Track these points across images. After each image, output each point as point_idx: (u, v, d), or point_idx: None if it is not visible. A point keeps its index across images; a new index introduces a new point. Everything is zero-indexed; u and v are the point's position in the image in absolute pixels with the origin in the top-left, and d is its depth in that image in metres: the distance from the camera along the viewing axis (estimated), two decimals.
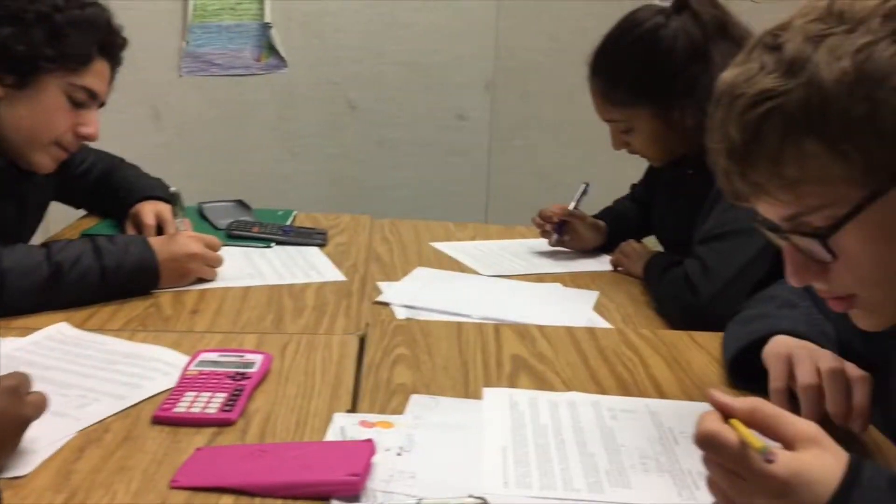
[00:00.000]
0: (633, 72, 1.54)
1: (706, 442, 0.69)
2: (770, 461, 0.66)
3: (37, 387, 0.86)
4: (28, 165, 1.46)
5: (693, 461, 0.87)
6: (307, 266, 1.61)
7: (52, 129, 1.43)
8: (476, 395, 1.08)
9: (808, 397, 0.96)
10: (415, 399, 1.05)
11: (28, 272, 1.26)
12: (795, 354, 1.00)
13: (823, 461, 0.67)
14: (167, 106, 3.08)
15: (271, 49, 3.11)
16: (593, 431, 0.99)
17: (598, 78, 1.59)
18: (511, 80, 3.20)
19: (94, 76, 1.45)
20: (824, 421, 0.94)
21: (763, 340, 1.08)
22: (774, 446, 0.70)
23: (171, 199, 1.52)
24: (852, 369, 0.95)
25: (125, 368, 1.08)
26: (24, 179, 1.51)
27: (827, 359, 0.98)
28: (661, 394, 1.11)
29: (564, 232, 1.81)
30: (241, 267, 1.57)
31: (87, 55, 1.43)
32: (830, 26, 0.74)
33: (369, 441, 0.88)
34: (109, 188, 1.79)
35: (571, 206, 1.81)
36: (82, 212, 1.92)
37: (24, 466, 0.84)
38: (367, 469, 0.83)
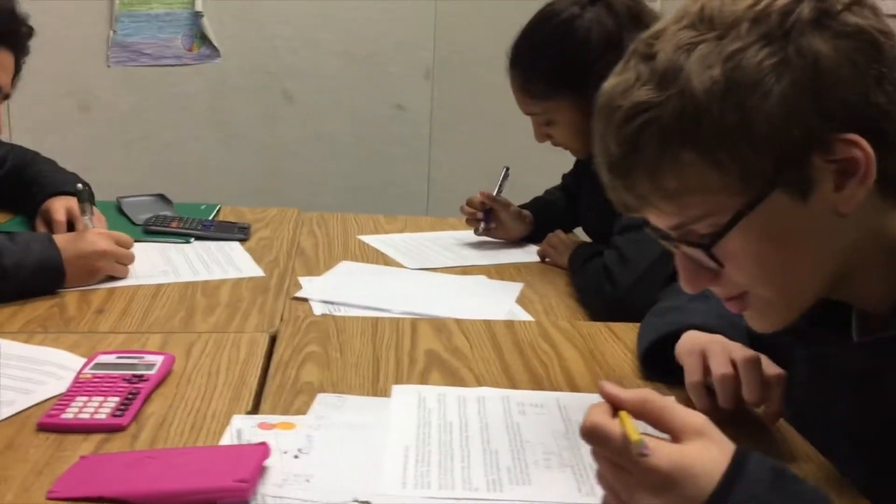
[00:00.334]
0: (549, 64, 1.53)
1: (590, 434, 0.69)
2: (644, 455, 0.65)
3: None
4: None
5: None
6: (225, 262, 1.57)
7: None
8: (385, 393, 1.05)
9: (723, 387, 0.96)
10: (320, 398, 1.02)
11: None
12: (708, 349, 1.00)
13: (708, 453, 0.67)
14: (95, 97, 3.00)
15: (203, 38, 3.04)
16: (499, 427, 0.97)
17: (516, 71, 1.58)
18: (451, 69, 3.18)
19: None
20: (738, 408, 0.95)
21: (676, 334, 1.07)
22: (664, 438, 0.70)
23: (79, 195, 1.46)
24: (768, 366, 0.96)
25: (16, 373, 1.04)
26: None
27: (739, 349, 0.98)
28: (574, 387, 1.10)
29: (490, 220, 1.80)
30: (156, 264, 1.52)
31: None
32: (701, 33, 0.74)
33: (263, 444, 0.85)
34: (22, 183, 1.73)
35: (494, 192, 1.79)
36: None
37: None
38: (256, 474, 0.81)
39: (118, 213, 1.81)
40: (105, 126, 3.02)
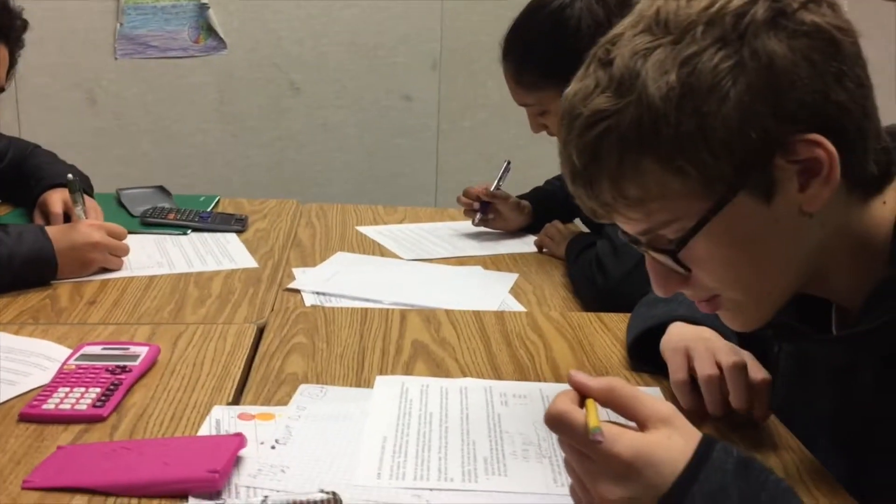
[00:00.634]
0: (541, 54, 1.52)
1: (553, 422, 0.68)
2: (597, 441, 0.64)
3: None
4: None
5: None
6: (220, 253, 1.57)
7: None
8: (369, 384, 1.05)
9: (709, 388, 0.96)
10: (302, 389, 1.02)
11: None
12: (692, 347, 1.00)
13: (672, 442, 0.66)
14: (103, 90, 3.01)
15: (210, 30, 3.04)
16: (480, 418, 0.97)
17: (509, 62, 1.57)
18: (458, 60, 3.17)
19: None
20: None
21: (663, 326, 1.07)
22: (631, 427, 0.69)
23: (69, 186, 1.47)
24: (753, 369, 0.95)
25: (3, 364, 1.04)
26: None
27: (724, 351, 0.97)
28: (559, 378, 1.10)
29: (487, 211, 1.79)
30: (151, 255, 1.53)
31: None
32: (657, 37, 0.72)
33: (238, 435, 0.86)
34: (20, 176, 1.74)
35: (494, 185, 1.79)
36: None
37: None
38: (230, 464, 0.81)
39: (117, 205, 1.82)
40: (112, 118, 3.04)
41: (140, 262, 1.48)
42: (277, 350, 1.14)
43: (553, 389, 1.05)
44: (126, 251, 1.44)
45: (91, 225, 1.40)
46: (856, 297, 0.79)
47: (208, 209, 1.85)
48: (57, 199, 1.60)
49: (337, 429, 0.94)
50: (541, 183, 1.96)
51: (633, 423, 0.70)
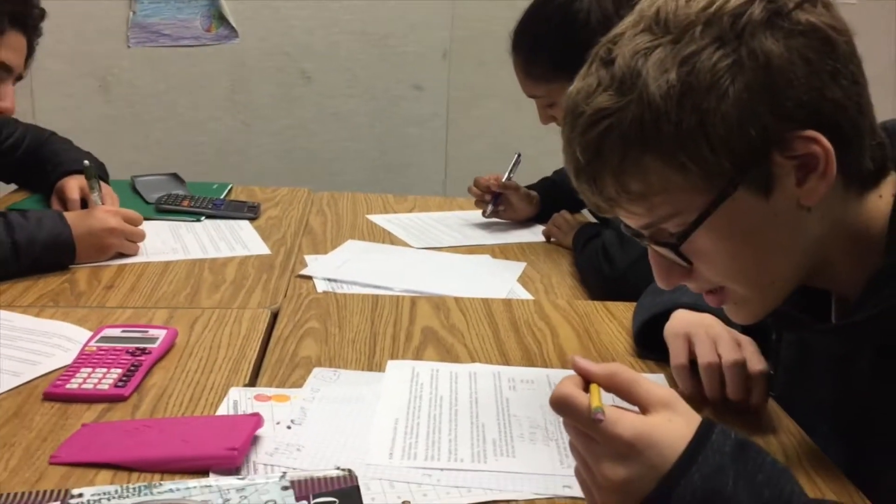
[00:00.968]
0: (550, 47, 1.54)
1: (558, 404, 0.70)
2: (599, 420, 0.67)
3: None
4: None
5: None
6: (234, 240, 1.60)
7: None
8: (380, 368, 1.08)
9: (709, 375, 0.99)
10: (316, 372, 1.05)
11: None
12: (693, 333, 1.02)
13: (672, 424, 0.68)
14: (115, 78, 3.03)
15: (222, 19, 3.07)
16: (489, 402, 1.00)
17: (518, 55, 1.60)
18: (468, 50, 3.18)
19: (7, 49, 1.42)
20: None
21: (667, 313, 1.09)
22: (633, 410, 0.72)
23: (86, 172, 1.50)
24: (753, 361, 0.98)
25: (25, 345, 1.08)
26: None
27: (725, 340, 1.00)
28: (565, 364, 1.12)
29: (499, 203, 1.82)
30: (166, 241, 1.56)
31: None
32: (657, 37, 0.74)
33: (255, 415, 0.89)
34: (37, 162, 1.77)
35: (505, 176, 1.81)
36: (13, 186, 1.90)
37: None
38: (247, 443, 0.84)
39: (132, 191, 1.85)
40: (125, 106, 3.06)
41: (155, 247, 1.51)
42: (291, 334, 1.17)
43: (559, 375, 1.07)
44: (142, 237, 1.47)
45: (108, 211, 1.43)
46: (854, 288, 0.81)
47: (221, 196, 1.88)
48: (74, 185, 1.63)
49: (350, 410, 0.97)
50: (549, 173, 1.98)
51: (634, 408, 0.72)
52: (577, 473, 0.74)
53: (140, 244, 1.48)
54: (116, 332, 1.10)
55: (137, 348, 1.05)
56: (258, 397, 0.98)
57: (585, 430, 0.69)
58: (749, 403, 0.97)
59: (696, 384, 1.00)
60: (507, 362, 1.12)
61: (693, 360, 1.01)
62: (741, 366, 0.96)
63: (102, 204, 1.47)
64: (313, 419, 0.94)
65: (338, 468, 0.76)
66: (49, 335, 1.11)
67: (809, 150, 0.74)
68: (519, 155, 1.84)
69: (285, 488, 0.72)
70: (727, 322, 1.03)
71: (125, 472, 0.81)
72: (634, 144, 0.75)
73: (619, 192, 0.78)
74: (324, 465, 0.83)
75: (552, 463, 0.88)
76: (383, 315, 1.26)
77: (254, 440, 0.86)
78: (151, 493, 0.70)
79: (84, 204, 1.61)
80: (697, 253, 0.80)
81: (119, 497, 0.69)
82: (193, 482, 0.73)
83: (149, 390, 0.98)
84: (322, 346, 1.14)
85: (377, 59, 3.15)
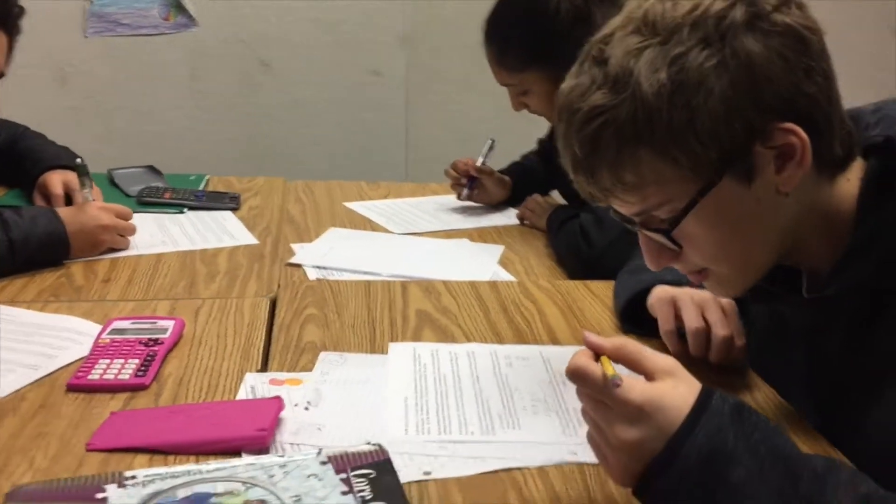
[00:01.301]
0: (521, 37, 1.60)
1: (574, 374, 0.77)
2: (617, 385, 0.74)
3: None
4: None
5: (577, 402, 0.95)
6: (220, 231, 1.64)
7: None
8: (382, 350, 1.14)
9: (696, 339, 1.07)
10: (323, 356, 1.11)
11: None
12: (679, 298, 1.10)
13: (677, 390, 0.75)
14: (73, 68, 3.01)
15: (179, 7, 3.06)
16: (489, 379, 1.07)
17: (491, 45, 1.66)
18: (425, 34, 3.22)
19: None
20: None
21: (649, 289, 1.17)
22: (637, 378, 0.79)
23: (78, 169, 1.52)
24: (737, 335, 1.07)
25: (39, 339, 1.11)
26: None
27: (711, 306, 1.08)
28: (555, 341, 1.20)
29: (474, 187, 1.88)
30: (153, 234, 1.59)
31: None
32: (646, 38, 0.81)
33: (277, 398, 0.94)
34: (14, 158, 1.78)
35: (479, 161, 1.88)
36: None
37: None
38: (274, 424, 0.89)
39: (110, 184, 1.87)
40: (84, 97, 3.04)
41: (144, 240, 1.54)
42: (293, 321, 1.22)
43: (552, 352, 1.15)
44: (133, 231, 1.50)
45: (100, 207, 1.46)
46: (824, 262, 0.90)
47: (200, 188, 1.91)
48: (57, 180, 1.65)
49: (360, 391, 1.03)
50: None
51: (640, 377, 0.80)
52: (590, 438, 0.81)
53: (130, 238, 1.51)
54: (126, 324, 1.13)
55: (150, 339, 1.09)
56: (273, 381, 1.03)
57: (599, 397, 0.76)
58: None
59: (683, 347, 1.08)
60: (500, 341, 1.19)
61: (679, 325, 1.09)
62: (730, 341, 1.05)
63: (94, 200, 1.49)
64: (328, 400, 0.99)
65: (368, 443, 0.82)
66: (59, 329, 1.15)
67: (788, 141, 0.81)
68: (493, 141, 1.90)
69: (323, 463, 0.77)
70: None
71: (160, 455, 0.85)
72: (629, 139, 0.82)
73: (614, 183, 0.85)
74: (346, 443, 0.89)
75: (555, 432, 0.95)
76: (378, 300, 1.31)
77: (277, 421, 0.92)
78: (201, 473, 0.75)
79: (67, 198, 1.63)
80: (686, 237, 0.87)
81: (171, 477, 0.74)
82: (237, 461, 0.78)
83: (167, 379, 1.03)
84: (324, 332, 1.19)
85: (334, 46, 3.17)
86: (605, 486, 0.84)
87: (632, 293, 1.20)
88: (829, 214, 0.88)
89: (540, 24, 1.58)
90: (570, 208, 1.73)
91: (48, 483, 0.73)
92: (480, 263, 1.56)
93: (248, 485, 0.73)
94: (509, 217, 1.87)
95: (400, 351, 1.14)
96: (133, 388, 0.99)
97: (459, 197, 1.90)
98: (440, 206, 1.93)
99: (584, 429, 0.86)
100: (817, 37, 0.83)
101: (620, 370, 0.78)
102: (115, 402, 0.97)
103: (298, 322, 1.22)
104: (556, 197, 1.95)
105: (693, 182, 0.83)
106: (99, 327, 1.14)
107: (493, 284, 1.41)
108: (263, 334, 1.17)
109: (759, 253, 0.89)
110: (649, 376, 0.78)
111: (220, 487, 0.73)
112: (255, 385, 1.02)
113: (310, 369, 1.07)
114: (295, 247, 1.59)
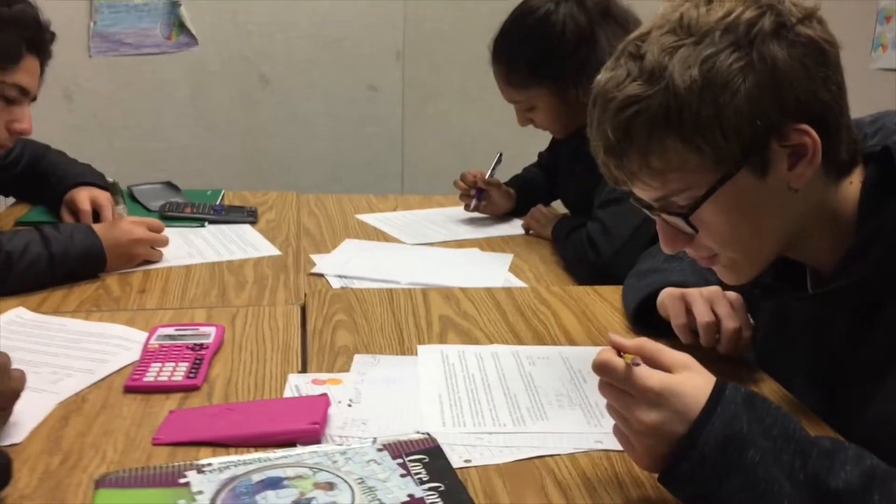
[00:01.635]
0: (529, 56, 1.69)
1: (600, 366, 0.85)
2: (637, 364, 0.82)
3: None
4: None
5: (598, 396, 1.03)
6: (243, 243, 1.71)
7: None
8: (411, 352, 1.22)
9: (706, 332, 1.15)
10: (358, 358, 1.18)
11: None
12: (689, 295, 1.19)
13: (694, 381, 0.84)
14: (78, 87, 3.08)
15: (181, 27, 3.14)
16: (515, 376, 1.15)
17: (499, 64, 1.74)
18: (420, 50, 3.32)
19: (24, 73, 1.49)
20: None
21: (657, 292, 1.25)
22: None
23: (111, 188, 1.60)
24: (745, 329, 1.15)
25: (89, 346, 1.18)
26: None
27: (720, 301, 1.16)
28: (572, 341, 1.28)
29: (482, 198, 1.97)
30: (180, 247, 1.66)
31: (17, 53, 1.47)
32: (681, 38, 0.90)
33: (324, 395, 1.02)
34: (39, 175, 1.84)
35: (488, 174, 1.97)
36: (11, 199, 1.96)
37: (17, 435, 0.94)
38: (325, 418, 0.97)
39: (131, 200, 1.94)
40: (89, 115, 3.11)
41: (172, 253, 1.61)
42: (324, 326, 1.29)
43: (570, 352, 1.23)
44: (166, 243, 1.57)
45: (133, 221, 1.53)
46: (829, 261, 0.99)
47: (218, 202, 1.98)
48: (84, 196, 1.72)
49: (396, 389, 1.10)
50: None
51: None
52: (616, 431, 0.88)
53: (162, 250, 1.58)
54: (170, 330, 1.21)
55: (195, 344, 1.16)
56: (315, 381, 1.10)
57: (622, 386, 0.84)
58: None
59: (695, 339, 1.16)
60: (520, 342, 1.27)
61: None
62: (738, 332, 1.13)
63: (125, 215, 1.56)
64: (367, 398, 1.07)
65: (417, 432, 0.90)
66: (107, 336, 1.22)
67: (801, 141, 0.90)
68: (501, 154, 1.99)
69: (379, 450, 0.85)
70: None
71: (222, 448, 0.93)
72: (659, 127, 0.90)
73: (641, 167, 0.93)
74: (388, 435, 0.97)
75: (581, 423, 1.03)
76: (401, 306, 1.39)
77: (326, 416, 0.99)
78: (270, 460, 0.82)
79: (94, 214, 1.70)
80: (702, 223, 0.96)
81: (244, 464, 0.81)
82: (301, 450, 0.85)
83: (215, 380, 1.10)
84: (355, 336, 1.26)
85: (332, 62, 3.26)
86: (631, 471, 0.92)
87: (642, 296, 1.29)
88: (833, 214, 0.97)
89: (546, 45, 1.67)
90: (574, 218, 1.82)
91: (132, 471, 0.80)
92: (492, 271, 1.64)
93: (315, 469, 0.81)
94: (515, 227, 1.96)
95: (429, 352, 1.22)
96: (186, 389, 1.06)
97: (468, 208, 1.98)
98: (448, 218, 2.02)
99: (607, 420, 0.95)
100: (835, 50, 0.93)
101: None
102: (171, 401, 1.04)
103: (329, 327, 1.29)
104: (559, 207, 2.04)
105: (713, 172, 0.92)
106: (144, 334, 1.21)
107: (508, 290, 1.49)
108: (298, 339, 1.24)
109: (767, 242, 0.98)
110: (667, 369, 0.86)
111: (289, 472, 0.80)
112: (298, 385, 1.09)
113: (346, 370, 1.15)
114: (315, 257, 1.66)
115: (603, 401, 0.94)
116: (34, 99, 1.59)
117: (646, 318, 1.28)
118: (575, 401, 1.08)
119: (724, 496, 0.78)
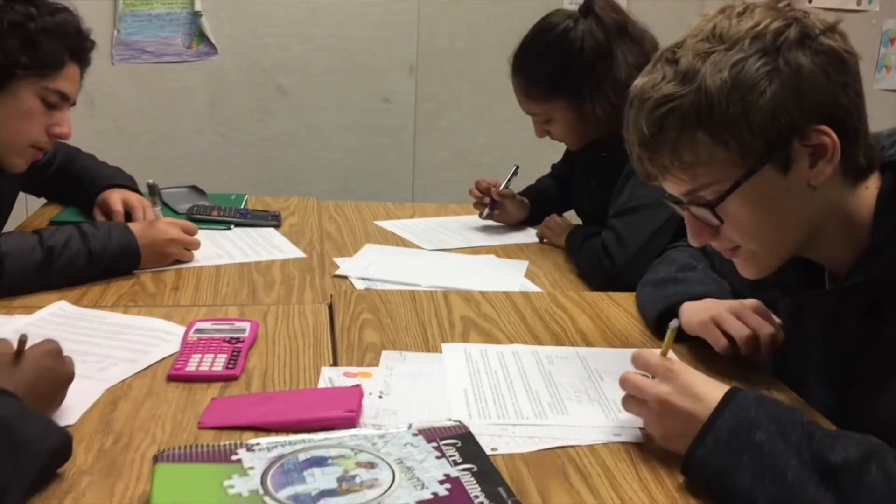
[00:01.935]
0: (548, 71, 1.76)
1: (637, 357, 0.98)
2: (671, 360, 0.92)
3: None
4: (4, 166, 1.58)
5: (614, 393, 1.10)
6: (269, 245, 1.78)
7: (27, 133, 1.53)
8: (436, 350, 1.28)
9: (746, 345, 1.20)
10: (385, 354, 1.24)
11: (24, 256, 1.40)
12: (717, 315, 1.23)
13: (708, 385, 0.95)
14: (101, 93, 3.15)
15: (202, 36, 3.21)
16: (535, 374, 1.21)
17: (519, 77, 1.81)
18: (433, 64, 3.39)
19: (65, 79, 1.56)
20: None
21: (677, 304, 1.31)
22: None
23: (150, 189, 1.67)
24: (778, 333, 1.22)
25: (131, 338, 1.24)
26: None
27: (747, 313, 1.22)
28: (588, 343, 1.34)
29: (495, 208, 2.03)
30: (208, 248, 1.72)
31: (60, 60, 1.53)
32: (713, 45, 0.98)
33: (358, 386, 1.08)
34: (72, 177, 1.91)
35: (503, 186, 2.03)
36: (42, 200, 2.03)
37: (70, 417, 1.00)
38: (359, 406, 1.03)
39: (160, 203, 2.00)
40: (110, 120, 3.18)
41: (201, 253, 1.67)
42: (351, 324, 1.35)
43: (587, 352, 1.29)
44: (198, 245, 1.64)
45: (168, 222, 1.60)
46: (844, 262, 1.05)
47: (242, 206, 2.04)
48: (117, 198, 1.78)
49: (423, 383, 1.16)
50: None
51: None
52: (625, 402, 1.01)
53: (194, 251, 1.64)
54: (207, 325, 1.27)
55: (232, 338, 1.22)
56: (347, 374, 1.16)
57: (653, 370, 0.95)
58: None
59: (735, 351, 1.22)
60: (539, 343, 1.33)
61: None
62: (774, 335, 1.20)
63: (161, 216, 1.63)
64: (397, 390, 1.13)
65: (450, 419, 0.96)
66: (147, 329, 1.28)
67: (821, 141, 0.97)
68: (517, 167, 2.05)
69: (415, 435, 0.91)
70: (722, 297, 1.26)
71: (263, 432, 0.99)
72: (691, 122, 0.98)
73: (672, 161, 1.01)
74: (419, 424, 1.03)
75: (599, 417, 1.09)
76: (424, 307, 1.45)
77: (360, 405, 1.05)
78: (314, 441, 0.88)
79: (126, 215, 1.76)
80: (727, 215, 1.03)
81: (290, 444, 0.87)
82: (342, 433, 0.91)
83: (252, 371, 1.16)
84: (381, 334, 1.33)
85: (348, 74, 3.33)
86: (648, 462, 0.98)
87: (663, 307, 1.34)
88: (849, 215, 1.04)
89: (565, 61, 1.74)
90: (587, 227, 1.88)
91: (186, 448, 0.86)
92: (509, 276, 1.70)
93: (356, 450, 0.86)
94: (529, 235, 2.02)
95: (453, 350, 1.28)
96: (226, 378, 1.12)
97: (481, 216, 2.04)
98: (463, 225, 2.08)
99: (623, 415, 1.04)
100: (854, 60, 1.01)
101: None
102: (212, 390, 1.10)
103: (357, 325, 1.35)
104: (572, 217, 2.10)
105: (739, 167, 0.99)
106: (181, 328, 1.27)
107: (525, 295, 1.56)
108: (328, 335, 1.31)
109: (787, 236, 1.04)
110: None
111: (332, 452, 0.86)
112: (331, 377, 1.15)
113: (375, 365, 1.21)
114: (338, 260, 1.73)
115: (618, 397, 1.03)
116: (73, 104, 1.65)
117: (663, 326, 1.34)
118: (593, 397, 1.14)
119: (735, 473, 0.86)
